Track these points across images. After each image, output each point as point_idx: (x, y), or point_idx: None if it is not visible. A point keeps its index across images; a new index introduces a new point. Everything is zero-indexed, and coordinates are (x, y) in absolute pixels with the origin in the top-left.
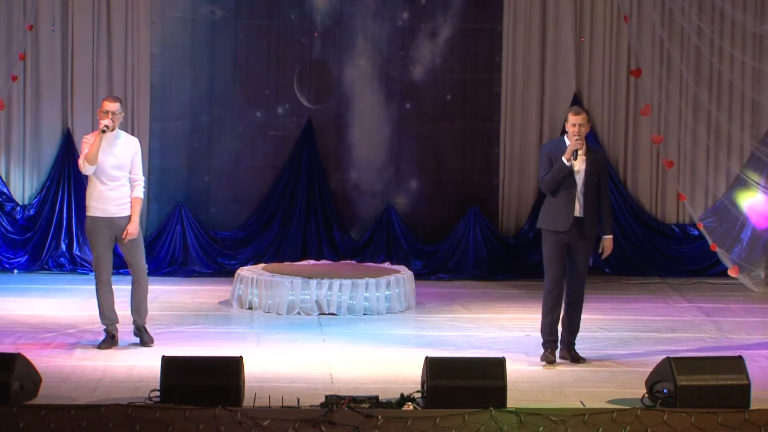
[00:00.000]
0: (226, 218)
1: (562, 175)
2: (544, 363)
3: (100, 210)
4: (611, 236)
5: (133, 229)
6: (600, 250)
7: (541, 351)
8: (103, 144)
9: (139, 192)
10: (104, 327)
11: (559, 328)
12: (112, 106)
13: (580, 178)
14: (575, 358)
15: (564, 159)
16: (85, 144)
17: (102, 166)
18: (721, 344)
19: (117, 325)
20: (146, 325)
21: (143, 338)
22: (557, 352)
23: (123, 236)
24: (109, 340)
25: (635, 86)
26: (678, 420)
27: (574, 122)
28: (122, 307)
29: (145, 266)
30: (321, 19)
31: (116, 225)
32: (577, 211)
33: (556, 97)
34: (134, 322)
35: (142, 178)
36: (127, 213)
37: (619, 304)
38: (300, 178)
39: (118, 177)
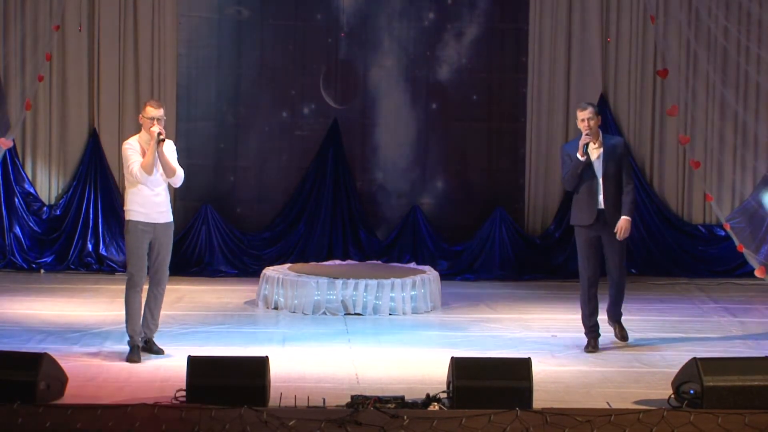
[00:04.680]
0: (251, 218)
1: (578, 170)
2: (587, 352)
3: (143, 215)
4: (628, 218)
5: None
6: (615, 230)
7: (567, 350)
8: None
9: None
10: (129, 338)
11: (600, 318)
12: (158, 112)
13: (598, 170)
14: (622, 336)
15: (578, 155)
16: (131, 151)
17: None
18: (747, 345)
19: (141, 337)
20: (155, 339)
21: (153, 349)
22: (599, 339)
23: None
24: (137, 351)
25: (662, 87)
26: (705, 421)
27: (581, 117)
28: None
29: (167, 275)
30: (347, 19)
31: (157, 231)
32: (601, 202)
33: (583, 97)
34: (143, 334)
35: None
36: (169, 220)
37: (646, 305)
38: (326, 178)
39: (162, 182)
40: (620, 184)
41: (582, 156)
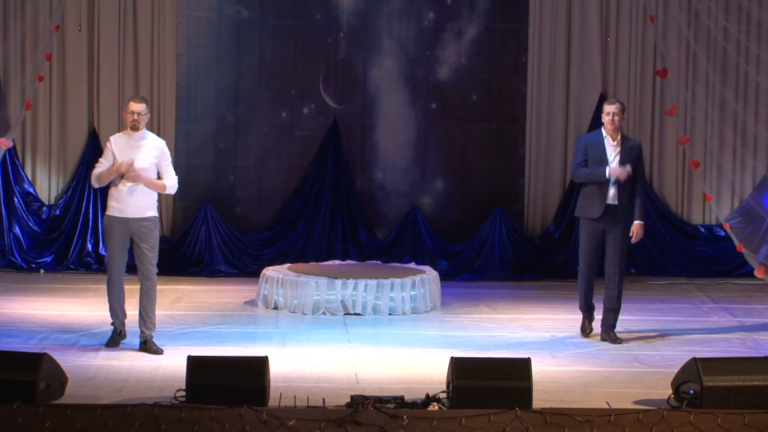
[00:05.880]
0: (251, 218)
1: (593, 179)
2: (581, 334)
3: (116, 210)
4: (641, 222)
5: (136, 173)
6: (630, 234)
7: (566, 350)
8: (127, 146)
9: (169, 181)
10: (111, 323)
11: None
12: (138, 106)
13: (614, 167)
14: (613, 339)
15: (607, 173)
16: (107, 150)
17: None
18: (747, 345)
19: (125, 321)
20: (154, 338)
21: (152, 348)
22: (594, 325)
23: (124, 170)
24: (116, 337)
25: (661, 86)
26: (704, 421)
27: (608, 111)
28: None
29: (153, 271)
30: (346, 19)
31: (132, 227)
32: (611, 198)
33: (582, 97)
34: (141, 333)
35: (175, 177)
36: (145, 215)
37: (645, 305)
38: (325, 178)
39: None
40: (632, 185)
41: (608, 176)
